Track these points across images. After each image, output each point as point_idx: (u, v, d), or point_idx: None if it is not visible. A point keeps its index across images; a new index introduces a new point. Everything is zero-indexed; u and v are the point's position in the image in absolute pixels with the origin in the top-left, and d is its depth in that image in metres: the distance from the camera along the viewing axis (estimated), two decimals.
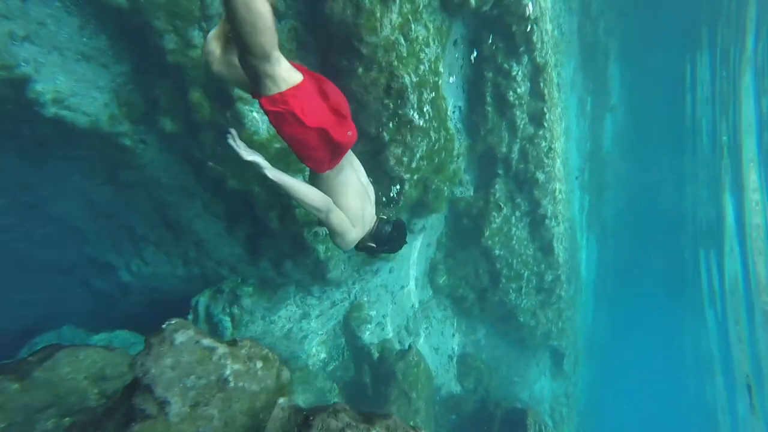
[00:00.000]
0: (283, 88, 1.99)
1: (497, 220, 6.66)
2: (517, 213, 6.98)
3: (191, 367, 2.39)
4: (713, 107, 12.75)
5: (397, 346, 6.17)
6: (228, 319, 5.48)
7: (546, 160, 6.80)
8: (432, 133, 5.20)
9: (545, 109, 6.58)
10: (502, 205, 6.70)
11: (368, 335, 6.20)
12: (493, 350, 8.36)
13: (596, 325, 17.79)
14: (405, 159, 4.93)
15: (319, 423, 2.43)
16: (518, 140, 6.58)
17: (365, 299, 6.27)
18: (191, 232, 5.73)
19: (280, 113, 2.04)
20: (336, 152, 2.35)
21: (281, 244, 5.53)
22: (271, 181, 2.21)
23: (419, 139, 4.99)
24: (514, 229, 7.01)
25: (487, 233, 6.64)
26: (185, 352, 2.39)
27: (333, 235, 2.60)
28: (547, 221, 7.29)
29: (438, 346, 7.20)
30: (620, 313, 21.29)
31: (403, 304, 6.73)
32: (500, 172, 6.73)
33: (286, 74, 1.99)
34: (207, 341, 2.46)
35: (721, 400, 17.74)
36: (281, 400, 2.59)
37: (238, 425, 2.51)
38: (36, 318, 7.09)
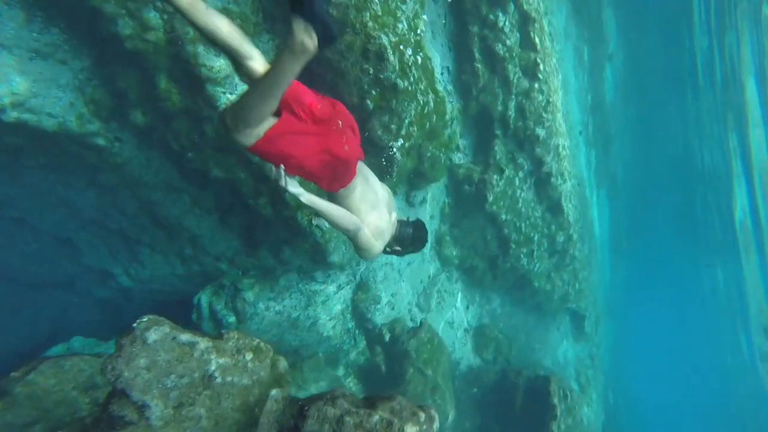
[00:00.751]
0: (262, 133, 2.00)
1: (500, 184, 6.36)
2: (521, 174, 6.67)
3: (170, 366, 2.19)
4: (710, 42, 12.13)
5: (410, 324, 5.98)
6: (231, 314, 5.32)
7: (545, 115, 6.45)
8: (420, 97, 4.89)
9: (538, 60, 6.20)
10: (504, 167, 6.39)
11: (378, 316, 6.01)
12: (510, 319, 8.14)
13: (615, 282, 17.50)
14: (393, 126, 4.64)
15: (315, 412, 2.22)
16: (513, 96, 6.23)
17: (372, 280, 6.06)
18: (183, 228, 5.53)
19: (270, 159, 2.11)
20: (341, 169, 2.37)
21: (277, 231, 5.31)
22: (305, 204, 2.28)
23: (406, 103, 4.69)
24: (519, 191, 6.71)
25: (490, 198, 6.35)
26: (161, 350, 2.18)
27: (358, 249, 2.68)
28: (552, 179, 6.97)
29: (452, 320, 7.00)
30: (638, 268, 20.95)
31: (412, 281, 6.51)
32: (498, 132, 6.41)
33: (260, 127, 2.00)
34: (185, 337, 2.25)
35: (745, 346, 17.44)
36: (273, 392, 2.38)
37: (231, 423, 2.32)
38: (46, 334, 7.02)
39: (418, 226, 3.02)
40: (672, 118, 15.35)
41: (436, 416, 2.68)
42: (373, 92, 4.50)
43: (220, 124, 2.34)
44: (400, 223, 2.97)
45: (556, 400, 5.89)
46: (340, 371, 5.71)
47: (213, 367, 2.29)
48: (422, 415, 2.55)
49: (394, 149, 4.70)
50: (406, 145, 4.85)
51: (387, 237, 2.84)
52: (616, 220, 16.13)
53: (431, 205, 6.56)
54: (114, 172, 4.94)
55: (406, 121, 4.72)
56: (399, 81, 4.55)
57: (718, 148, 13.61)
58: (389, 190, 3.12)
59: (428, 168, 5.62)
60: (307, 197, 2.29)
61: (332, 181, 2.44)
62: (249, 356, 2.50)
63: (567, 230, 7.73)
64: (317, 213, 2.39)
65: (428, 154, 5.50)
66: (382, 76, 4.44)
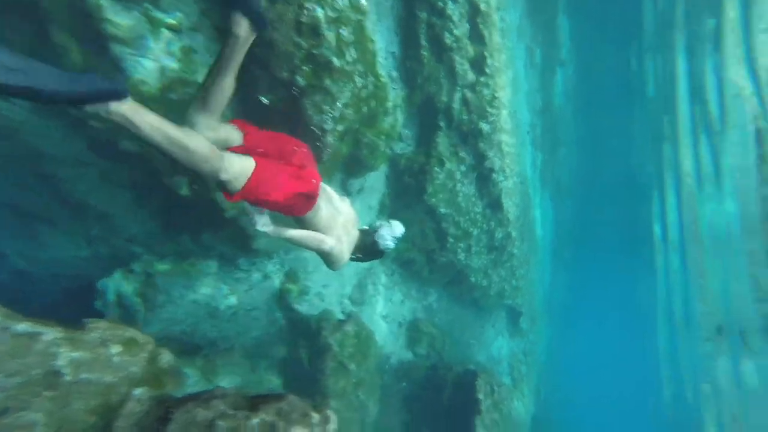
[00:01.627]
0: (243, 182, 2.17)
1: (440, 176, 6.23)
2: (462, 167, 6.57)
3: None
4: (654, 59, 12.67)
5: (340, 317, 5.74)
6: (140, 301, 4.86)
7: (490, 110, 6.37)
8: (357, 78, 4.62)
9: (486, 54, 6.09)
10: (445, 160, 6.26)
11: (306, 307, 5.74)
12: (447, 314, 8.10)
13: (555, 282, 18.08)
14: (326, 107, 4.34)
15: (182, 415, 1.93)
16: (459, 88, 6.10)
17: (302, 270, 5.76)
18: (90, 206, 4.99)
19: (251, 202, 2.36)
20: (310, 199, 2.58)
21: (198, 214, 4.90)
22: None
23: (341, 84, 4.41)
24: (459, 185, 6.61)
25: (429, 190, 6.20)
26: None
27: (328, 263, 2.96)
28: (494, 175, 6.94)
29: (387, 313, 6.83)
30: (578, 271, 21.77)
31: (347, 273, 6.27)
32: (442, 124, 6.26)
33: (239, 169, 2.14)
34: (23, 326, 1.88)
35: (673, 349, 18.56)
36: (137, 391, 2.06)
37: (82, 427, 1.98)
38: None
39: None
40: (618, 131, 15.95)
41: (333, 417, 2.46)
42: (305, 69, 4.19)
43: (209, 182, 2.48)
44: (362, 232, 3.21)
45: (481, 395, 5.88)
46: (263, 364, 5.39)
47: (61, 363, 1.94)
48: (315, 417, 2.32)
49: (327, 131, 4.41)
50: (341, 128, 4.57)
51: (352, 247, 3.10)
52: (559, 222, 16.63)
53: (370, 194, 6.34)
54: (6, 140, 4.34)
55: (341, 103, 4.44)
56: (335, 59, 4.26)
57: (655, 162, 14.26)
58: (347, 200, 3.34)
59: (366, 155, 5.38)
60: (274, 231, 2.56)
61: (301, 209, 2.63)
62: (116, 349, 2.16)
63: (506, 227, 7.75)
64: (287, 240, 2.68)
65: (366, 141, 5.25)
66: (316, 53, 4.14)
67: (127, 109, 1.75)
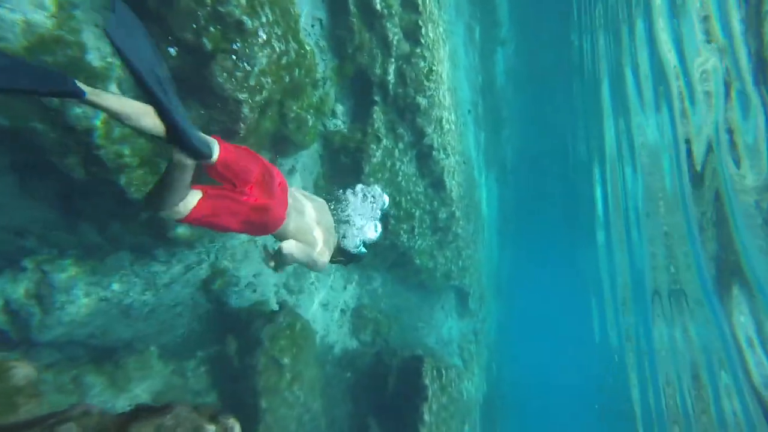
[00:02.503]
0: (187, 211, 2.32)
1: (377, 154, 5.89)
2: (401, 145, 6.27)
3: None
4: (593, 36, 12.90)
5: (275, 308, 5.31)
6: (34, 303, 4.21)
7: (427, 83, 6.08)
8: (276, 43, 4.16)
9: (421, 23, 5.78)
10: (382, 137, 5.92)
11: (236, 299, 5.27)
12: (393, 298, 7.86)
13: (502, 261, 18.42)
14: (239, 74, 3.86)
15: None
16: (393, 60, 5.75)
17: (229, 259, 5.27)
18: None
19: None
20: (270, 220, 2.69)
21: (100, 200, 4.29)
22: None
23: (256, 49, 3.93)
24: (398, 163, 6.31)
25: (367, 169, 5.86)
26: None
27: (311, 270, 3.20)
28: (434, 153, 6.69)
29: (327, 301, 6.47)
30: (524, 248, 22.37)
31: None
32: (377, 98, 5.90)
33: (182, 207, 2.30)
34: None
35: (611, 320, 19.53)
36: None
37: None
38: None
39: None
40: (557, 108, 16.27)
41: (236, 427, 2.08)
42: (212, 29, 3.68)
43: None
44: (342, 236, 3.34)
45: (427, 381, 5.69)
46: (189, 365, 4.89)
47: None
48: (210, 429, 1.93)
49: (241, 102, 3.92)
50: (259, 99, 4.10)
51: (331, 248, 3.25)
52: (505, 201, 16.86)
53: (303, 175, 5.90)
54: None
55: (257, 69, 3.97)
56: (246, 19, 3.78)
57: (595, 139, 14.68)
58: (323, 202, 3.44)
59: (293, 131, 4.93)
60: (272, 263, 2.95)
61: (263, 231, 2.81)
62: None
63: (450, 207, 7.58)
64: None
65: (292, 115, 4.80)
66: (222, 10, 3.64)
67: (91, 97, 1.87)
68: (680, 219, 11.43)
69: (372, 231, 3.46)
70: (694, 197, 10.38)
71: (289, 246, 2.87)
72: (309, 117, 5.02)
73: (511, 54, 14.11)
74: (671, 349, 12.65)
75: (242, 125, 4.02)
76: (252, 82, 3.90)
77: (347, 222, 3.47)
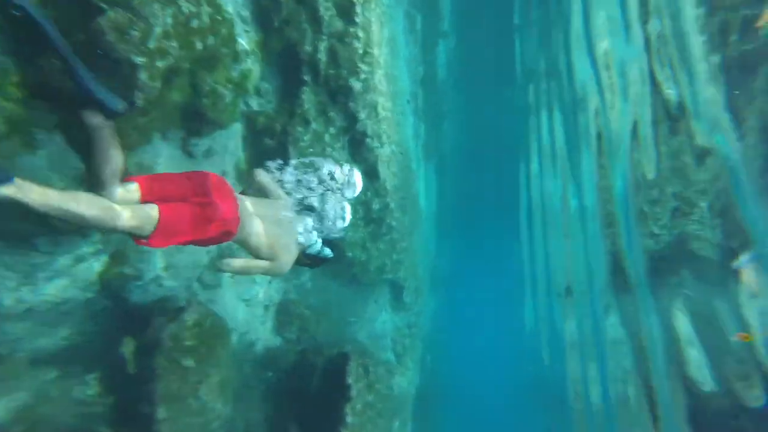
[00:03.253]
0: (150, 230, 2.26)
1: (305, 138, 5.48)
2: (332, 129, 5.89)
3: None
4: (529, 34, 13.20)
5: (183, 304, 4.77)
6: None
7: (361, 65, 5.74)
8: (183, 3, 3.63)
9: (355, 0, 5.41)
10: (311, 120, 5.52)
11: (139, 295, 4.67)
12: (323, 293, 7.49)
13: (440, 253, 18.56)
14: (135, 33, 3.29)
15: None
16: (325, 37, 5.36)
17: (132, 248, 4.64)
18: None
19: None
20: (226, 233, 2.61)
21: None
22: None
23: (157, 6, 3.39)
24: (329, 149, 5.93)
25: (293, 154, 5.43)
26: None
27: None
28: (368, 140, 6.38)
29: (249, 296, 5.99)
30: (462, 241, 22.78)
31: (196, 251, 5.26)
32: (307, 78, 5.48)
33: (142, 218, 2.23)
34: None
35: (542, 313, 20.38)
36: None
37: None
38: None
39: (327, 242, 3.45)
40: (494, 103, 16.56)
41: None
42: None
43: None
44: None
45: (351, 380, 5.42)
46: (75, 371, 4.25)
47: None
48: None
49: (138, 67, 3.36)
50: (161, 65, 3.55)
51: (294, 252, 3.10)
52: (443, 194, 16.93)
53: (223, 158, 5.35)
54: None
55: (158, 30, 3.42)
56: None
57: (522, 133, 15.08)
58: (286, 198, 3.24)
59: (209, 106, 4.41)
60: (227, 267, 2.84)
61: (222, 240, 2.68)
62: None
63: (384, 198, 7.32)
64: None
65: (207, 88, 4.27)
66: None
67: (14, 190, 1.86)
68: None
69: (339, 224, 3.36)
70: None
71: (235, 264, 2.84)
72: (227, 92, 4.51)
73: (453, 48, 14.10)
74: (605, 340, 13.23)
75: (140, 94, 3.46)
76: (152, 45, 3.35)
77: (310, 214, 3.26)
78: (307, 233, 3.17)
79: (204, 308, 4.46)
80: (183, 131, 4.66)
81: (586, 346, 13.76)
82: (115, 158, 2.29)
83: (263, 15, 4.99)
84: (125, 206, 2.21)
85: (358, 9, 5.45)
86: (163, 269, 4.90)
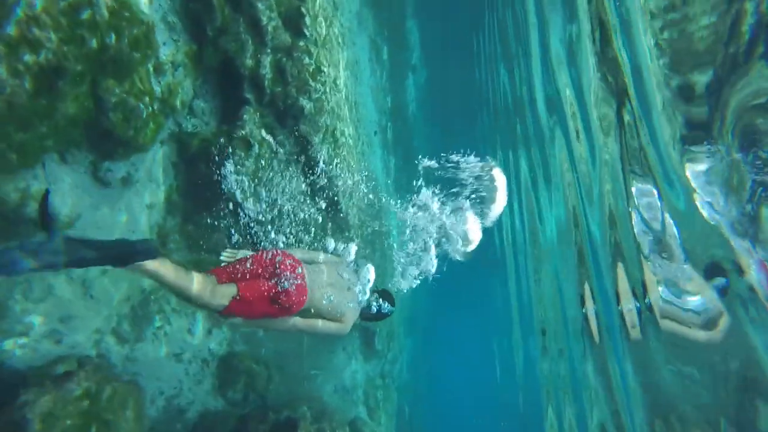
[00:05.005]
0: (226, 303, 2.80)
1: (247, 164, 4.75)
2: (281, 152, 5.19)
3: None
4: (498, 70, 13.05)
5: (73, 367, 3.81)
6: None
7: (313, 84, 5.13)
8: None
9: (304, 11, 4.87)
10: (255, 143, 4.81)
11: (26, 355, 3.71)
12: (278, 342, 6.54)
13: (416, 294, 17.66)
14: None
15: None
16: (270, 51, 4.75)
17: (18, 296, 3.73)
18: None
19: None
20: (292, 303, 3.02)
21: None
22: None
23: None
24: (278, 178, 5.21)
25: (233, 182, 4.67)
26: None
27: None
28: (323, 167, 5.69)
29: (182, 350, 5.04)
30: (438, 282, 21.95)
31: (106, 297, 4.36)
32: (249, 96, 4.83)
33: (223, 294, 2.79)
34: None
35: (518, 349, 19.47)
36: None
37: None
38: None
39: (384, 296, 3.85)
40: (469, 141, 16.31)
41: None
42: None
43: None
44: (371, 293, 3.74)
45: None
46: None
47: None
48: None
49: None
50: (30, 59, 2.80)
51: (356, 310, 3.54)
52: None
53: (147, 187, 4.56)
54: None
55: (20, 12, 2.70)
56: None
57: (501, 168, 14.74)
58: (337, 259, 3.88)
59: (118, 123, 3.66)
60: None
61: (289, 312, 3.05)
62: None
63: (346, 233, 6.56)
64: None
65: (114, 100, 3.54)
66: None
67: (156, 264, 2.48)
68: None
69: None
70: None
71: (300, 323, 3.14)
72: (143, 106, 3.79)
73: (423, 83, 13.88)
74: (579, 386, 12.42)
75: (2, 96, 2.70)
76: (12, 31, 2.63)
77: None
78: (363, 294, 3.64)
79: (103, 373, 3.51)
80: (90, 153, 3.88)
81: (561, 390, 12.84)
82: (183, 281, 2.61)
83: (194, 22, 4.37)
84: (219, 288, 2.80)
85: (308, 21, 4.90)
86: (60, 321, 3.97)
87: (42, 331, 3.81)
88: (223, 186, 4.60)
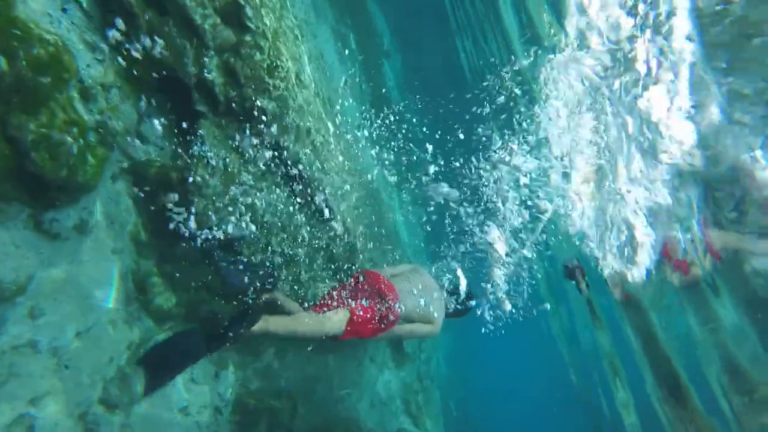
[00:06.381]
0: (343, 329, 3.62)
1: (211, 183, 4.20)
2: (251, 166, 4.64)
3: None
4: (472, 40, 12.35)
5: None
6: None
7: (270, 80, 4.56)
8: None
9: (242, 1, 4.31)
10: (216, 158, 4.26)
11: None
12: (298, 369, 6.00)
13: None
14: None
15: None
16: (213, 52, 4.19)
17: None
18: None
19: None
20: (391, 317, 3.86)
21: None
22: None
23: None
24: (253, 191, 4.66)
25: (201, 206, 4.13)
26: None
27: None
28: (302, 169, 5.13)
29: (186, 403, 4.50)
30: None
31: (87, 362, 3.84)
32: (202, 108, 4.28)
33: (338, 323, 3.60)
34: None
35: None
36: None
37: None
38: None
39: (468, 296, 4.81)
40: (459, 121, 15.61)
41: None
42: None
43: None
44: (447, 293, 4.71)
45: None
46: None
47: None
48: None
49: None
50: None
51: (442, 309, 4.37)
52: (426, 224, 15.67)
53: (108, 231, 4.02)
54: None
55: None
56: None
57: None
58: (415, 267, 4.83)
59: (45, 163, 3.12)
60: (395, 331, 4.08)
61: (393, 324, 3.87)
62: None
63: (344, 238, 6.00)
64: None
65: (31, 137, 3.01)
66: None
67: (264, 324, 3.19)
68: None
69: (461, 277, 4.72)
70: None
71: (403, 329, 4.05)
72: (71, 140, 3.24)
73: (399, 68, 13.26)
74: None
75: None
76: None
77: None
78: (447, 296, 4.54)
79: None
80: (26, 205, 3.35)
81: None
82: (293, 327, 3.39)
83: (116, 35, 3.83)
84: (329, 317, 3.50)
85: (249, 12, 4.33)
86: (28, 403, 3.44)
87: (5, 420, 3.28)
88: (190, 217, 4.06)
